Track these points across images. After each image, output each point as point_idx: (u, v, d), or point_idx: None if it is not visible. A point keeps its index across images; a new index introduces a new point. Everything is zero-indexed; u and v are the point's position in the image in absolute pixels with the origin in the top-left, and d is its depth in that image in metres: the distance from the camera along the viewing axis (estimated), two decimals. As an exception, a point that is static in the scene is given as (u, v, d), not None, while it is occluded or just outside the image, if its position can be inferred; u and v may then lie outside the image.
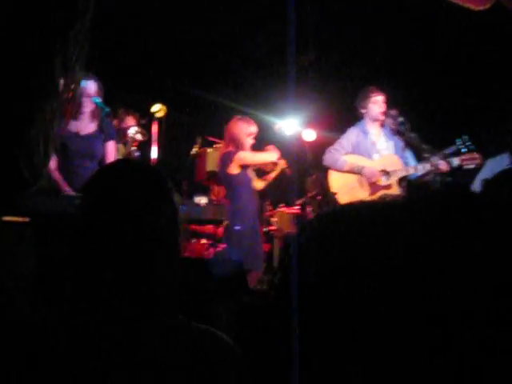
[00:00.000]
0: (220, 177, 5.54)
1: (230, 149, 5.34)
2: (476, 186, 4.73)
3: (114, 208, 1.22)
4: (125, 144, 5.37)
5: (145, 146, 5.69)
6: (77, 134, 4.33)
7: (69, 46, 4.47)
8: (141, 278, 1.19)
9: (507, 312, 0.59)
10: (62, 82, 4.39)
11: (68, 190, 4.13)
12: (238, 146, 5.30)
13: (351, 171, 5.21)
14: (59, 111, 4.19)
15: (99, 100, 4.30)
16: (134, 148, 5.48)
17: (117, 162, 1.80)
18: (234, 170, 5.28)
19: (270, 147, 5.50)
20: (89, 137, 4.37)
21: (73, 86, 4.40)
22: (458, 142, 5.07)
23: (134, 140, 5.34)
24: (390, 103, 5.33)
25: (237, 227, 5.15)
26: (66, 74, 4.61)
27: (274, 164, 5.57)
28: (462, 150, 5.04)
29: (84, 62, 4.43)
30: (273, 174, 5.71)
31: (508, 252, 0.61)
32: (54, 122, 4.15)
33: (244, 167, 5.33)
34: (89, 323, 1.15)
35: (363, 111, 5.33)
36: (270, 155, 5.47)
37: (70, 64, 4.42)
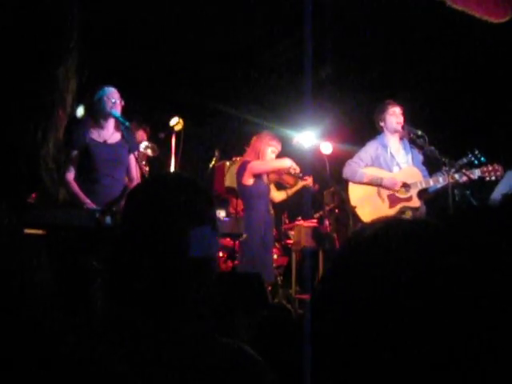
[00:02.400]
0: (237, 187, 5.56)
1: (248, 158, 5.36)
2: (495, 198, 4.68)
3: (158, 220, 1.23)
4: None
5: (163, 158, 5.71)
6: (104, 143, 4.34)
7: (69, 56, 4.53)
8: (176, 290, 1.20)
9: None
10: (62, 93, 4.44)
11: (89, 203, 4.12)
12: (258, 156, 5.33)
13: (371, 183, 5.19)
14: (58, 119, 4.22)
15: (119, 114, 4.33)
16: (143, 162, 5.49)
17: (164, 175, 1.80)
18: (248, 180, 5.29)
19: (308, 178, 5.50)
20: (116, 145, 4.39)
21: (70, 95, 4.44)
22: (470, 155, 5.04)
23: (144, 155, 5.36)
24: (408, 116, 5.32)
25: (245, 236, 5.14)
26: (66, 83, 4.65)
27: (296, 178, 5.54)
28: (475, 163, 5.01)
29: (77, 71, 4.47)
30: (294, 189, 5.70)
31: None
32: (55, 130, 4.17)
33: (258, 178, 5.32)
34: (111, 329, 1.15)
35: (381, 124, 5.33)
36: (281, 162, 5.44)
37: (70, 74, 4.47)
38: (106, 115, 4.34)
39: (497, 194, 4.96)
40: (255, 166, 5.30)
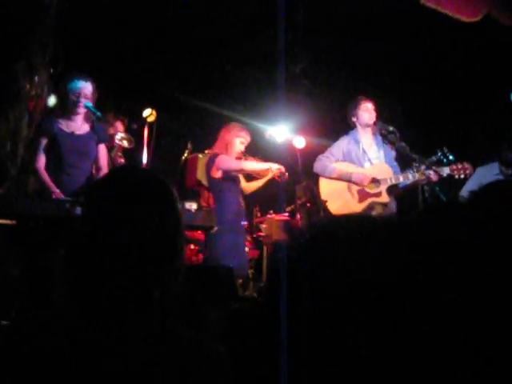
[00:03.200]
0: (207, 180, 5.52)
1: (216, 151, 5.33)
2: (464, 195, 4.75)
3: (117, 215, 1.22)
4: (111, 149, 5.34)
5: (135, 150, 5.67)
6: (72, 134, 4.32)
7: (33, 48, 4.50)
8: (140, 284, 1.20)
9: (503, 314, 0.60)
10: (27, 85, 4.40)
11: (58, 192, 4.09)
12: (226, 148, 5.28)
13: (340, 178, 5.22)
14: (26, 111, 4.19)
15: (91, 104, 4.31)
16: (119, 154, 5.46)
17: (121, 169, 1.80)
18: (216, 173, 5.25)
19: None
20: (84, 137, 4.38)
21: (40, 87, 4.41)
22: (439, 153, 5.09)
23: (120, 146, 5.32)
24: (380, 112, 5.36)
25: (216, 228, 5.09)
26: (32, 75, 4.63)
27: (266, 169, 5.48)
28: (444, 161, 5.06)
29: (48, 62, 4.45)
30: (265, 179, 5.62)
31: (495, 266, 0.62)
32: (21, 122, 4.14)
33: (226, 171, 5.28)
34: (78, 326, 1.15)
35: (354, 119, 5.36)
36: (252, 164, 5.37)
37: (36, 65, 4.45)
38: (73, 109, 4.32)
39: (465, 190, 5.04)
40: (223, 162, 5.22)
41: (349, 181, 5.20)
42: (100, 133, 4.46)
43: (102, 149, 4.49)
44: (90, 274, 1.19)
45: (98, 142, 4.45)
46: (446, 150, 5.07)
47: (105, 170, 4.47)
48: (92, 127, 4.41)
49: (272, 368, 0.73)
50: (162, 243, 1.24)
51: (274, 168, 5.31)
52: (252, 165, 5.38)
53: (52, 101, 4.65)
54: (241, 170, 5.38)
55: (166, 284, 1.23)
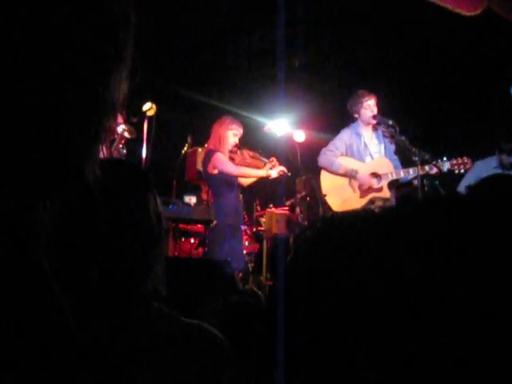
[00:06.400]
0: (204, 176, 5.51)
1: (211, 146, 5.31)
2: (461, 189, 4.74)
3: (96, 206, 1.24)
4: (112, 141, 5.33)
5: (135, 144, 5.67)
6: None
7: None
8: (126, 273, 1.21)
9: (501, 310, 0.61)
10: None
11: None
12: (220, 142, 5.26)
13: (345, 175, 5.23)
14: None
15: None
16: (121, 145, 5.45)
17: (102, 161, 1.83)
18: (213, 169, 5.24)
19: (273, 159, 5.40)
20: None
21: None
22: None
23: (121, 138, 5.32)
24: (380, 105, 5.35)
25: (215, 223, 5.10)
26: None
27: (264, 162, 5.46)
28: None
29: None
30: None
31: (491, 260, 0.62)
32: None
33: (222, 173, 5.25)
34: (75, 317, 1.16)
35: (356, 116, 5.35)
36: (250, 171, 5.33)
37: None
38: None
39: (463, 185, 5.04)
40: (218, 162, 5.19)
41: (353, 178, 5.20)
42: None
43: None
44: (75, 268, 1.22)
45: None
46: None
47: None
48: None
49: (270, 361, 0.73)
50: (139, 231, 1.26)
51: (274, 174, 5.26)
52: (249, 171, 5.34)
53: None
54: (236, 175, 5.33)
55: (152, 268, 1.26)
